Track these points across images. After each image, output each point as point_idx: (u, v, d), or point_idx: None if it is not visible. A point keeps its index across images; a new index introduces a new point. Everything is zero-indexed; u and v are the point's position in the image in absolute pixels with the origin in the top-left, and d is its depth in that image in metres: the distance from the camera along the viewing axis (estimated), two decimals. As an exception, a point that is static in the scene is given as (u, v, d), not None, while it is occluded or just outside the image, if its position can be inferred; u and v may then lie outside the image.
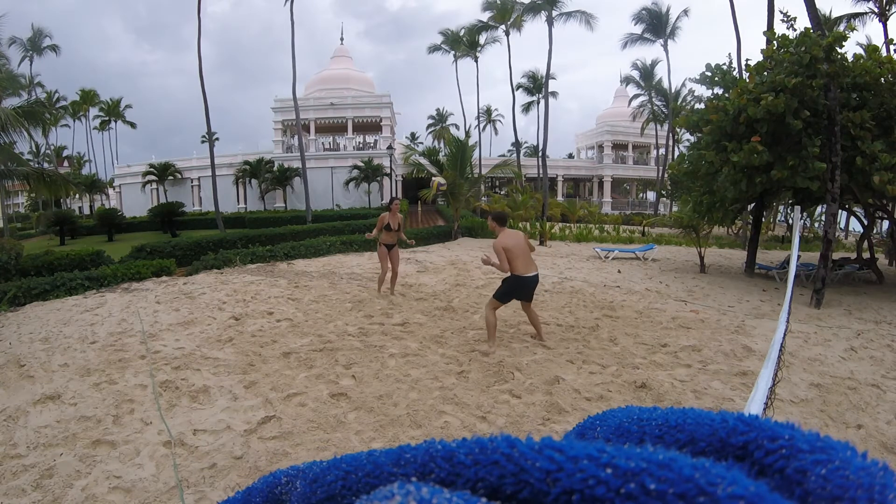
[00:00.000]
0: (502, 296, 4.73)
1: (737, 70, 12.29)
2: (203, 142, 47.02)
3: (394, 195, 6.51)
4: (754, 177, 8.29)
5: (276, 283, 8.18)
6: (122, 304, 6.81)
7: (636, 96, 35.90)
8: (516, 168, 24.35)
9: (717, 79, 10.72)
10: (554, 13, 24.68)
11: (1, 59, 20.83)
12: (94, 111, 44.36)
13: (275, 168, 29.62)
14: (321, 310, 6.32)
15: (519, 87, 36.03)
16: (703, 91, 20.24)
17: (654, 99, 34.58)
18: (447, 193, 17.66)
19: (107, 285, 8.20)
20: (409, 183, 32.84)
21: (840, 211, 9.88)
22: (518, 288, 4.70)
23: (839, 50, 7.37)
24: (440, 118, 52.32)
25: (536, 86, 35.49)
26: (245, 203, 32.23)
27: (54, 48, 35.69)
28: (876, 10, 20.81)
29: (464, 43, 31.44)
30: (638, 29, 31.10)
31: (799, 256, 4.46)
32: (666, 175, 22.50)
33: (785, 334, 2.47)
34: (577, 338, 5.14)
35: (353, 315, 6.03)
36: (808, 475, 0.19)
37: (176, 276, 9.23)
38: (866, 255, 10.91)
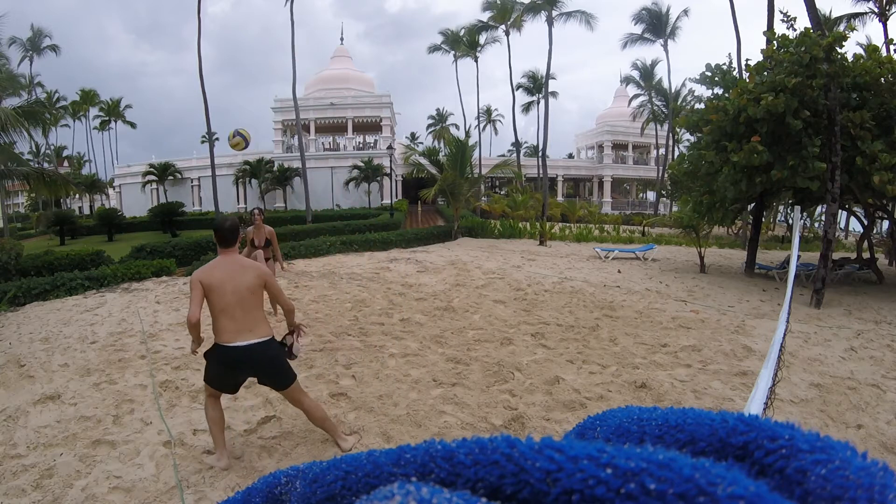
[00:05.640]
0: (208, 378, 2.66)
1: (737, 70, 12.29)
2: (203, 142, 47.01)
3: (256, 206, 5.39)
4: (754, 177, 8.29)
5: (276, 283, 8.17)
6: (122, 304, 6.81)
7: (636, 96, 35.89)
8: (516, 168, 24.34)
9: (717, 79, 10.73)
10: (554, 13, 24.69)
11: (1, 59, 20.83)
12: (94, 111, 44.42)
13: (275, 168, 29.62)
14: (321, 310, 6.32)
15: (519, 87, 36.06)
16: (703, 91, 20.21)
17: (654, 99, 34.57)
18: (447, 193, 17.66)
19: (107, 285, 8.20)
20: (409, 183, 32.86)
21: (840, 211, 9.87)
22: (220, 367, 2.57)
23: (839, 50, 7.37)
24: (440, 118, 52.30)
25: (536, 86, 35.50)
26: (245, 203, 32.21)
27: (54, 48, 35.72)
28: (876, 10, 20.80)
29: (464, 43, 31.46)
30: (638, 29, 31.13)
31: (799, 256, 4.46)
32: (666, 175, 22.48)
33: (785, 334, 2.47)
34: (577, 338, 5.14)
35: (353, 315, 6.03)
36: (808, 475, 0.19)
37: (176, 276, 9.22)
38: (866, 255, 10.90)
